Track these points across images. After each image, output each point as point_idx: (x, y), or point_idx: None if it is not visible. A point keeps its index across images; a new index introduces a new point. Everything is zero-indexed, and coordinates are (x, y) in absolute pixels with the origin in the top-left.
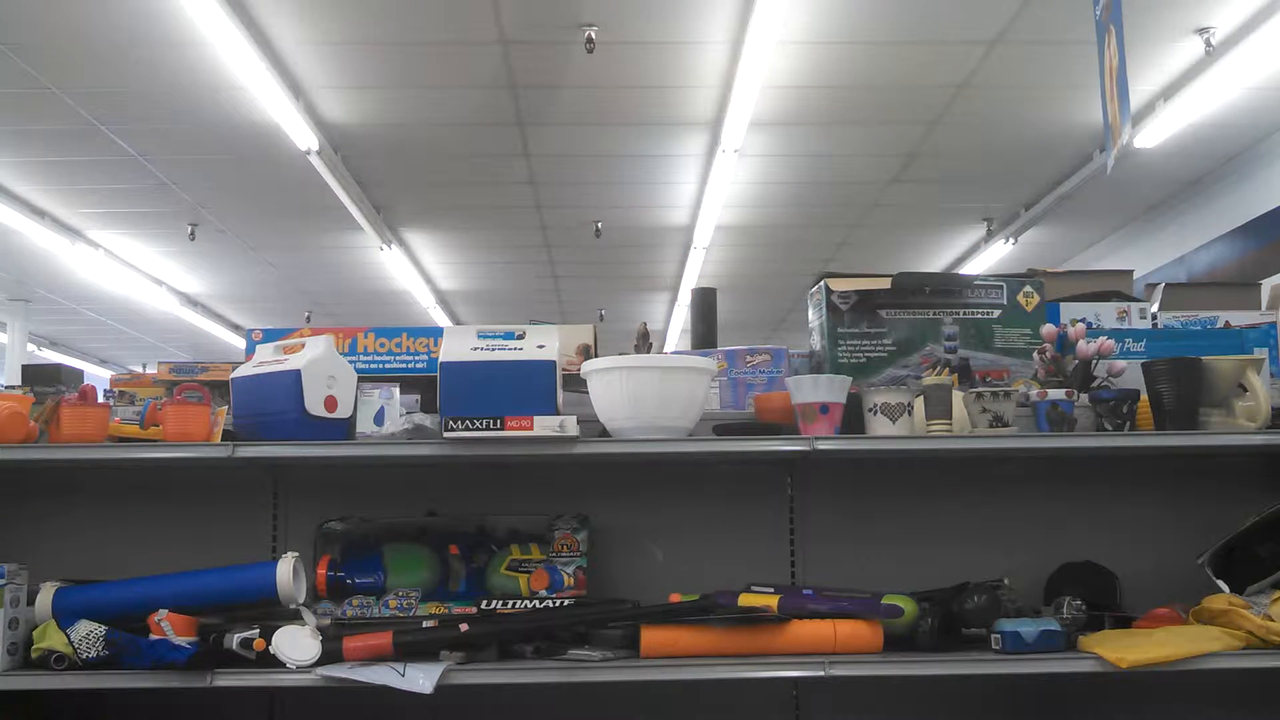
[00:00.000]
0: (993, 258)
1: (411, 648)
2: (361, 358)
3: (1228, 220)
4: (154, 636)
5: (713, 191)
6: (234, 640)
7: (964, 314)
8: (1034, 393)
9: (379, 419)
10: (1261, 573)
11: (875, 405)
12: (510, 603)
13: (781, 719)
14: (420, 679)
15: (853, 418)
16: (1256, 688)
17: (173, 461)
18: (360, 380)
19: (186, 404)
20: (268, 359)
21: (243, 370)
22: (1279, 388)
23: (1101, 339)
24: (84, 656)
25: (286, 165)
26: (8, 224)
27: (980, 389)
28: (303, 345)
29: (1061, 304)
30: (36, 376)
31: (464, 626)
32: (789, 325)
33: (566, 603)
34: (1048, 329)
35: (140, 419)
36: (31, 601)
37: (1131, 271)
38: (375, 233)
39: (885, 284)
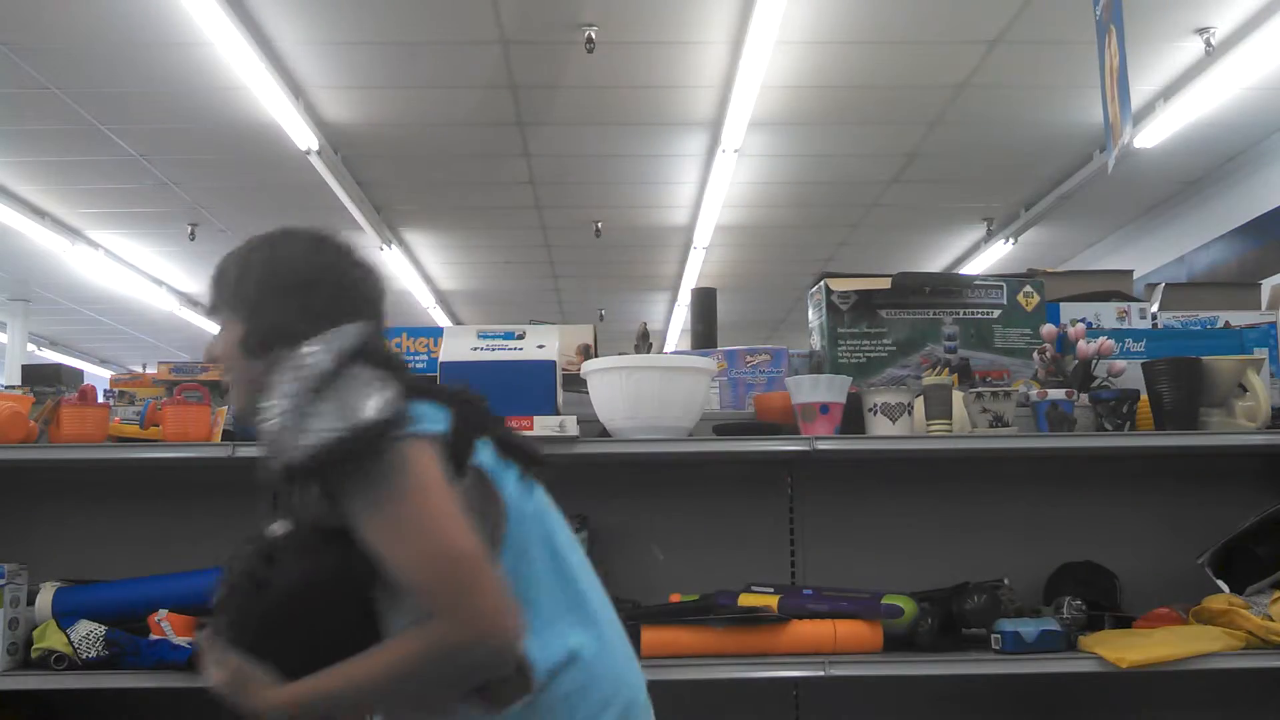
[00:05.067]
0: (993, 258)
1: None
2: None
3: (1227, 220)
4: (154, 636)
5: (713, 191)
6: None
7: (964, 314)
8: (1034, 393)
9: None
10: (1261, 573)
11: (875, 405)
12: None
13: (781, 719)
14: None
15: (853, 418)
16: (1256, 688)
17: (173, 461)
18: None
19: (186, 404)
20: None
21: None
22: (1279, 388)
23: (1101, 339)
24: (84, 656)
25: (286, 165)
26: (8, 224)
27: (980, 389)
28: None
29: (1061, 304)
30: (36, 376)
31: None
32: (789, 325)
33: None
34: (1048, 329)
35: (140, 419)
36: (31, 601)
37: (1131, 271)
38: (375, 233)
39: (885, 284)
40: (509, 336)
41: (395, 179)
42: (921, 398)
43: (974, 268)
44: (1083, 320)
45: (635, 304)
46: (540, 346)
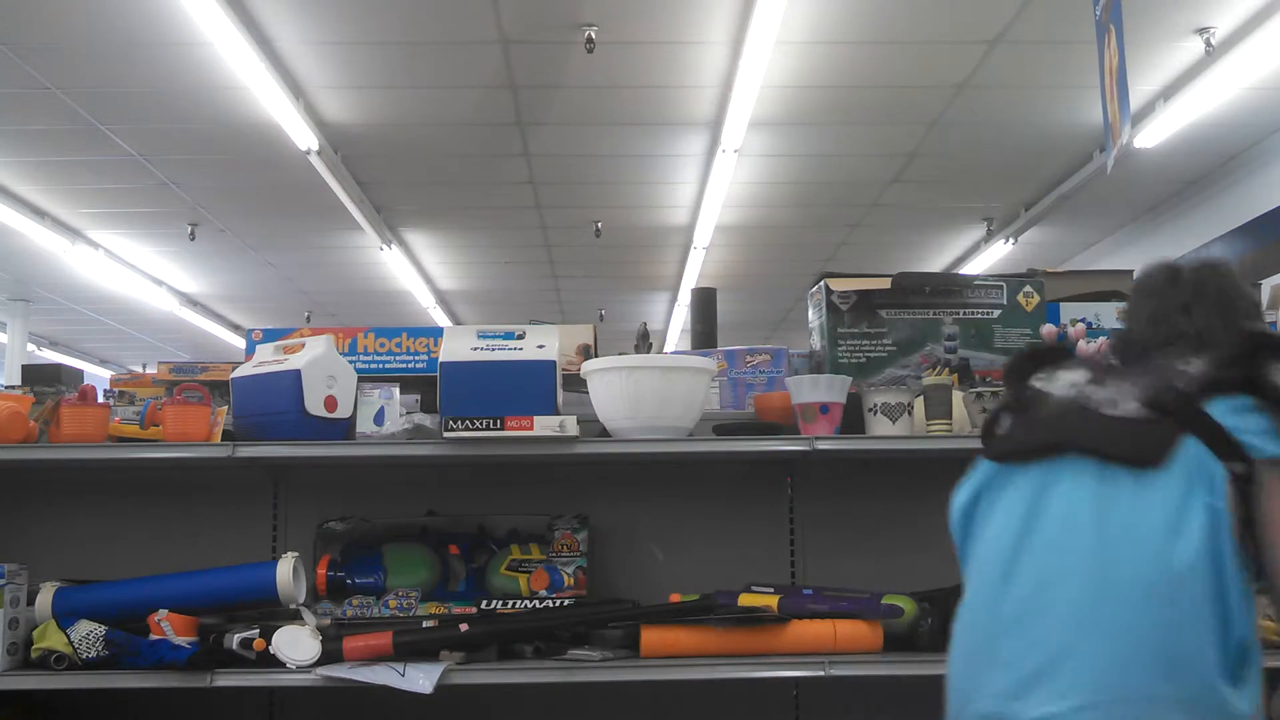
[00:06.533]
0: (993, 258)
1: (411, 648)
2: (361, 358)
3: (1228, 220)
4: (154, 636)
5: (713, 191)
6: (234, 640)
7: (964, 314)
8: None
9: (379, 419)
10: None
11: (875, 405)
12: (510, 603)
13: (781, 719)
14: (420, 679)
15: (853, 418)
16: None
17: (173, 461)
18: (360, 380)
19: (186, 404)
20: (268, 359)
21: (243, 370)
22: None
23: (1101, 339)
24: (84, 656)
25: (286, 165)
26: (8, 224)
27: (980, 389)
28: (303, 345)
29: (1061, 304)
30: (36, 376)
31: (464, 626)
32: (789, 325)
33: (566, 603)
34: (1048, 329)
35: (140, 419)
36: (31, 601)
37: (1131, 271)
38: (375, 233)
39: (885, 284)
40: (509, 336)
41: (395, 179)
42: (921, 398)
43: (974, 268)
44: (1083, 320)
45: (635, 304)
46: (540, 346)
